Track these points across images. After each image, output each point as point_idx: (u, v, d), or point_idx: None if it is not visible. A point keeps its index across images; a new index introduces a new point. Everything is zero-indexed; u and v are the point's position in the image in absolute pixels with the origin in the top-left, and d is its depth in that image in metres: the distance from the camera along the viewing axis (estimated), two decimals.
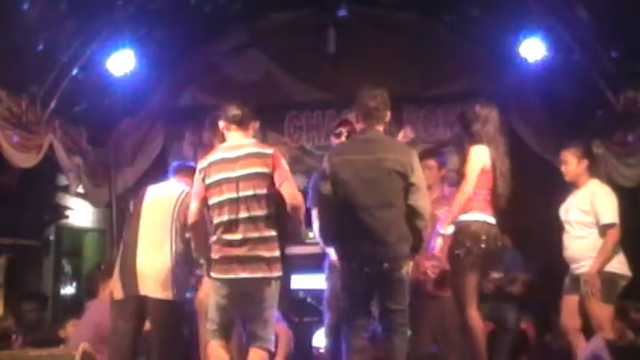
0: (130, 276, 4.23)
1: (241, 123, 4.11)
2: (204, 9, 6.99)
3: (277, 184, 3.94)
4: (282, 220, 4.03)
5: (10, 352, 5.06)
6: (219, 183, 3.98)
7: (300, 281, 6.92)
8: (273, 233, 3.96)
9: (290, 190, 3.94)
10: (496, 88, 7.29)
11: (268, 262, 3.93)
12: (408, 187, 4.15)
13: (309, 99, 7.89)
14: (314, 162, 7.33)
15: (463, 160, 4.58)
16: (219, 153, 4.08)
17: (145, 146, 7.90)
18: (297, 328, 6.20)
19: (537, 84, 6.93)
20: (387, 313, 4.20)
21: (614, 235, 4.72)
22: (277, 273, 3.96)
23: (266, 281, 3.93)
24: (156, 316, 4.25)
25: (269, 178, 3.95)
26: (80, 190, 7.21)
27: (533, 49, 6.30)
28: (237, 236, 3.92)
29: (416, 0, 7.51)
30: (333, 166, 4.22)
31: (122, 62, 6.41)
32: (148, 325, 4.46)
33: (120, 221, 7.71)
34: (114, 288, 4.34)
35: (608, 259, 4.69)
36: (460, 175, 4.53)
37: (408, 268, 4.23)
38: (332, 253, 4.75)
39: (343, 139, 4.96)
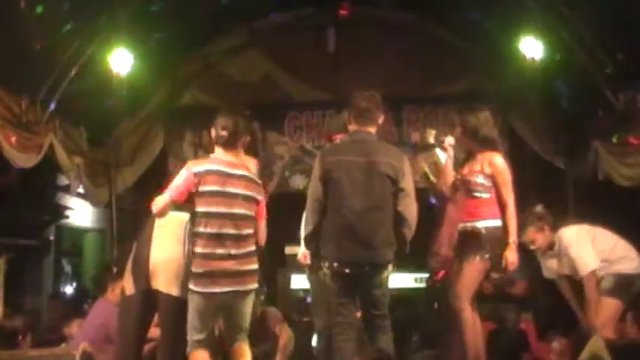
0: (142, 269, 4.21)
1: (227, 144, 4.12)
2: (204, 9, 6.99)
3: (257, 216, 4.13)
4: None
5: (10, 352, 5.06)
6: (214, 194, 3.99)
7: (300, 281, 6.91)
8: (253, 248, 4.11)
9: (263, 229, 4.21)
10: (496, 88, 7.31)
11: (251, 274, 4.05)
12: (397, 192, 4.15)
13: (309, 99, 7.90)
14: (314, 162, 7.32)
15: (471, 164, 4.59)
16: (215, 165, 4.08)
17: (145, 146, 7.90)
18: (297, 328, 6.19)
19: (537, 84, 6.94)
20: (370, 318, 4.23)
21: (592, 281, 4.80)
22: (255, 285, 4.10)
23: (248, 293, 4.06)
24: (164, 312, 4.24)
25: (256, 205, 4.12)
26: (80, 190, 7.21)
27: (533, 49, 6.30)
28: (227, 251, 3.97)
29: (416, 0, 7.50)
30: (326, 165, 4.22)
31: (122, 62, 6.41)
32: (152, 333, 4.48)
33: (120, 221, 7.73)
34: (125, 283, 4.30)
35: (597, 301, 4.80)
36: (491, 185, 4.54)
37: (389, 273, 4.24)
38: (303, 254, 4.85)
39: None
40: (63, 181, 7.34)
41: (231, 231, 3.98)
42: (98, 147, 7.46)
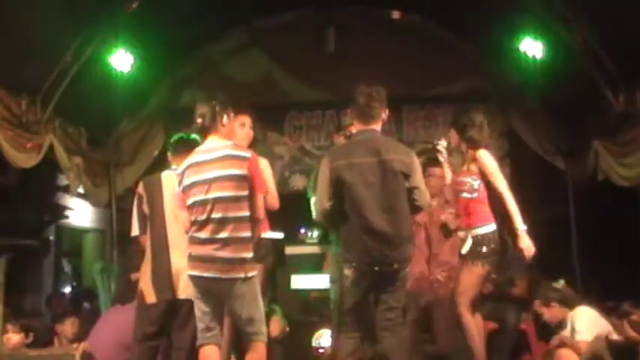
0: (166, 281, 4.23)
1: (204, 130, 4.06)
2: (204, 8, 6.99)
3: (252, 192, 3.95)
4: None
5: (10, 352, 5.06)
6: (192, 185, 3.97)
7: (300, 281, 6.92)
8: (245, 235, 3.92)
9: (257, 203, 3.98)
10: (496, 88, 7.31)
11: (233, 262, 3.88)
12: (410, 186, 4.19)
13: (309, 99, 7.90)
14: (314, 162, 7.33)
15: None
16: (195, 156, 4.05)
17: (145, 146, 7.90)
18: (297, 328, 6.19)
19: (537, 84, 6.94)
20: (387, 310, 4.20)
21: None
22: (241, 274, 3.88)
23: (229, 282, 3.88)
24: (188, 314, 4.19)
25: (244, 181, 3.93)
26: (80, 190, 7.21)
27: (533, 49, 6.30)
28: (206, 235, 3.90)
29: (416, 0, 7.50)
30: (337, 170, 4.16)
31: (122, 62, 6.41)
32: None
33: (119, 221, 7.72)
34: (145, 292, 4.30)
35: None
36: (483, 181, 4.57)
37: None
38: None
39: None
40: (63, 181, 7.34)
41: (214, 215, 3.88)
42: (98, 147, 7.46)
